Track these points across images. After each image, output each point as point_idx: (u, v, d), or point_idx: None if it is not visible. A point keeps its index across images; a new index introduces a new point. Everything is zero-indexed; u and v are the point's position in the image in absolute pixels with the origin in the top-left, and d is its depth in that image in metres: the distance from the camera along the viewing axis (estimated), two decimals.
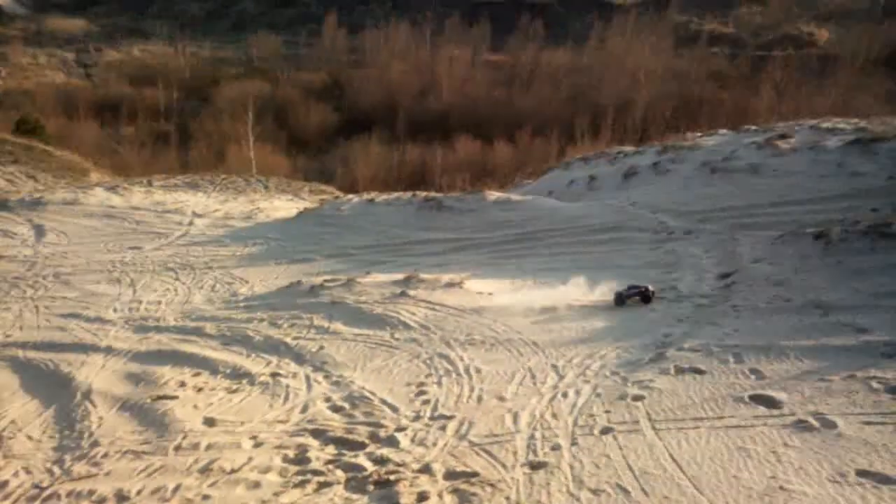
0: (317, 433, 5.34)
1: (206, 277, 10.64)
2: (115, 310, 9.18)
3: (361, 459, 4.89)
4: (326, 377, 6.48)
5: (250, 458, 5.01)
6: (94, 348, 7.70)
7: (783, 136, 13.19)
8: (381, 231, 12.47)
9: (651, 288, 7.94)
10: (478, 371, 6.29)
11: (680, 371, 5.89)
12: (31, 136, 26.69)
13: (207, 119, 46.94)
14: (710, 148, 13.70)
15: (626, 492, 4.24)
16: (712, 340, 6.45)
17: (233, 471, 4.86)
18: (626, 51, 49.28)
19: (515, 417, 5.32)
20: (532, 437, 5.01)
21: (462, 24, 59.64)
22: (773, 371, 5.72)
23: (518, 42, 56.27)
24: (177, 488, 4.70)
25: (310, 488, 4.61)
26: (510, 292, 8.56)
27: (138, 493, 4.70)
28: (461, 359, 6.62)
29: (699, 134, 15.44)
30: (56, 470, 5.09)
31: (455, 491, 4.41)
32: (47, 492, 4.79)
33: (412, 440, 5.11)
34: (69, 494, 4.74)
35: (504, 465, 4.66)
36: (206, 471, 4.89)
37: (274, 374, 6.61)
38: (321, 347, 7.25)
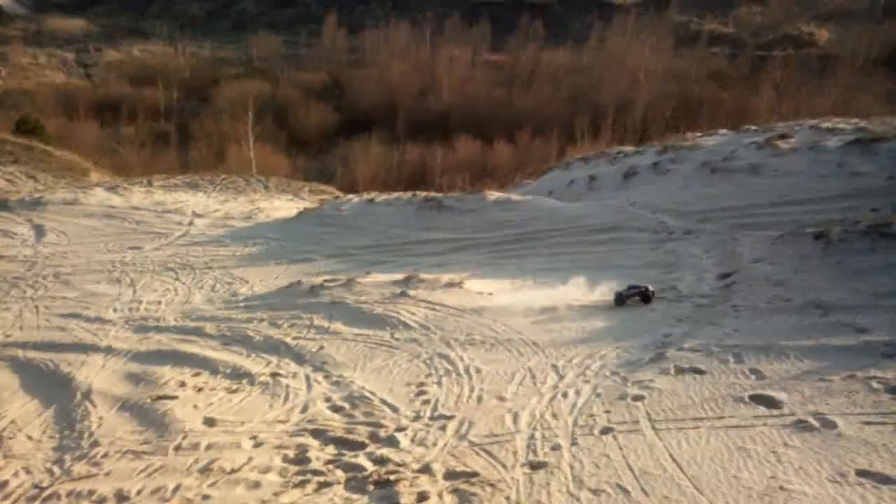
0: (317, 433, 5.34)
1: (206, 277, 10.64)
2: (115, 310, 9.18)
3: (361, 459, 4.89)
4: (326, 377, 6.48)
5: (250, 458, 5.01)
6: (94, 348, 7.71)
7: (783, 136, 13.18)
8: (381, 231, 12.47)
9: (651, 288, 7.94)
10: (478, 371, 6.30)
11: (680, 371, 5.89)
12: (31, 136, 26.69)
13: (207, 119, 46.95)
14: (710, 148, 13.70)
15: (626, 492, 4.24)
16: (712, 340, 6.45)
17: (233, 471, 4.86)
18: (626, 51, 49.27)
19: (515, 417, 5.32)
20: (532, 437, 5.01)
21: (462, 24, 59.63)
22: (773, 371, 5.72)
23: (518, 42, 56.26)
24: (177, 488, 4.70)
25: (310, 488, 4.61)
26: (510, 292, 8.56)
27: (138, 493, 4.70)
28: (461, 359, 6.62)
29: (699, 134, 15.43)
30: (56, 470, 5.09)
31: (455, 491, 4.41)
32: (47, 492, 4.79)
33: (412, 440, 5.11)
34: (69, 494, 4.75)
35: (504, 465, 4.66)
36: (206, 471, 4.89)
37: (274, 374, 6.61)
38: (321, 347, 7.25)
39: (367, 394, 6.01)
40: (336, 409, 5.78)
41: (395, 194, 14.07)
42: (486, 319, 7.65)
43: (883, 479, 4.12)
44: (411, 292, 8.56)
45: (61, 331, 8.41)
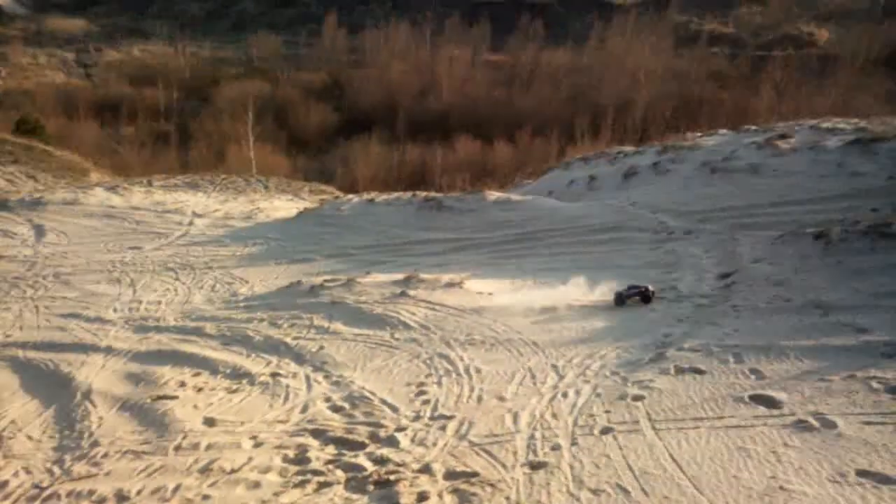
0: (317, 433, 5.34)
1: (205, 277, 10.64)
2: (115, 310, 9.18)
3: (361, 459, 4.89)
4: (326, 377, 6.48)
5: (250, 459, 5.01)
6: (93, 348, 7.71)
7: (783, 136, 13.18)
8: (381, 231, 12.48)
9: (651, 288, 7.95)
10: (478, 371, 6.30)
11: (680, 371, 5.89)
12: (31, 136, 26.70)
13: (207, 119, 46.95)
14: (710, 148, 13.70)
15: (626, 492, 4.24)
16: (712, 340, 6.46)
17: (233, 471, 4.86)
18: (626, 51, 49.27)
19: (515, 417, 5.32)
20: (532, 437, 5.02)
21: (462, 24, 59.65)
22: (773, 371, 5.72)
23: (518, 42, 56.27)
24: (177, 488, 4.70)
25: (310, 488, 4.61)
26: (510, 292, 8.56)
27: (138, 492, 4.70)
28: (461, 359, 6.62)
29: (699, 134, 15.44)
30: (56, 470, 5.10)
31: (455, 491, 4.41)
32: (47, 492, 4.79)
33: (412, 440, 5.12)
34: (69, 494, 4.75)
35: (504, 465, 4.66)
36: (206, 471, 4.89)
37: (274, 374, 6.61)
38: (321, 347, 7.25)
39: (367, 394, 6.02)
40: (336, 409, 5.78)
41: (395, 194, 14.08)
42: (486, 319, 7.65)
43: (883, 479, 4.12)
44: (411, 292, 8.57)
45: (61, 331, 8.41)
